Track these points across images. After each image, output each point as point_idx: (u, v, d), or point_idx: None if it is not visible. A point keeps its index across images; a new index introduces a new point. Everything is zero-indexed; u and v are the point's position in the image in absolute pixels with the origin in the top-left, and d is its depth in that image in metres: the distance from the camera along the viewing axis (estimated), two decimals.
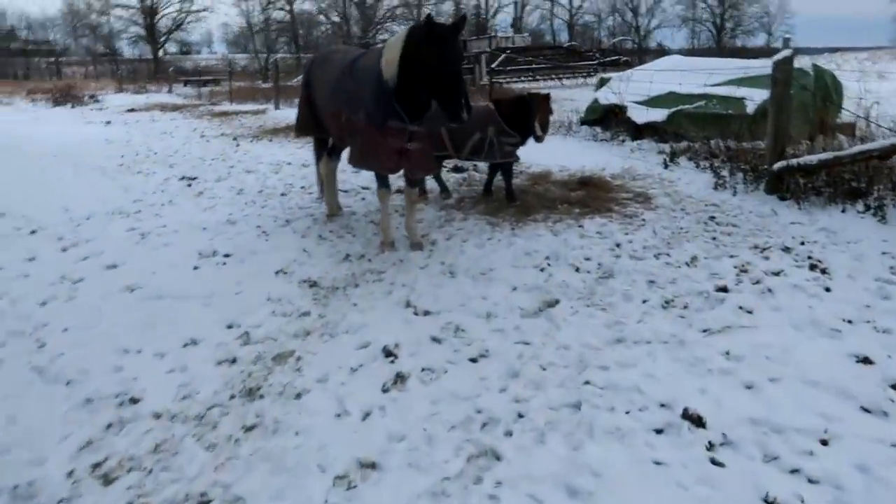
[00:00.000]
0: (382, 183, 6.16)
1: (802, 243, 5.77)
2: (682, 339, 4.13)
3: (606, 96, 11.23)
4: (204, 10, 66.37)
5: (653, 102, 10.18)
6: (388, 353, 4.08)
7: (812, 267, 5.21)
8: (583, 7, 73.94)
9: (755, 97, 9.01)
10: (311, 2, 65.18)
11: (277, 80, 22.32)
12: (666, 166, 8.81)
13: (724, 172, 7.89)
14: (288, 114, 19.16)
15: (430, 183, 8.10)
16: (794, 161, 6.86)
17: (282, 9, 65.55)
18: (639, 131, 10.19)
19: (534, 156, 9.63)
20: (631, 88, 10.54)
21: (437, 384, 3.74)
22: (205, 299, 5.08)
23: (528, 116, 7.21)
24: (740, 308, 4.51)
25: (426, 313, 4.71)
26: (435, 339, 4.29)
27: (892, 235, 5.75)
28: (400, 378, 3.81)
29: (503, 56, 21.82)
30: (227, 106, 24.41)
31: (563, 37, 71.98)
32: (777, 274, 5.11)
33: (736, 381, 3.61)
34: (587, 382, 3.69)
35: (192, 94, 31.58)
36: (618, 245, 5.97)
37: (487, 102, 7.48)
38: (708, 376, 3.68)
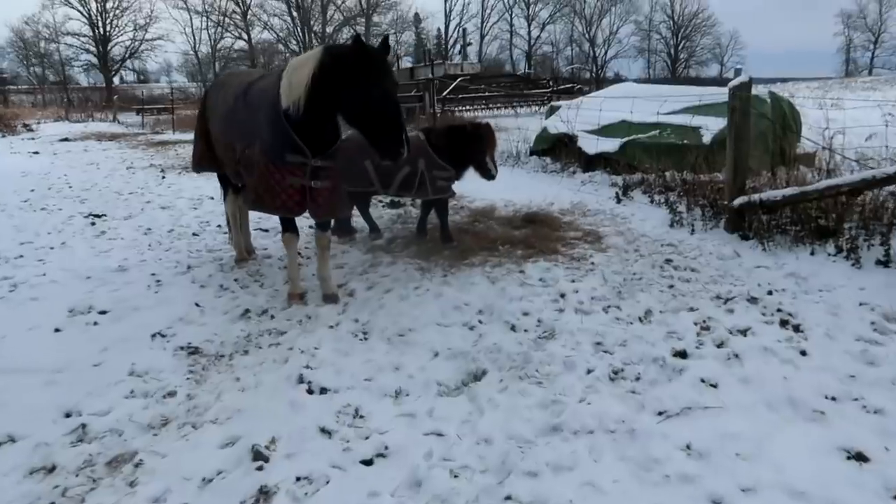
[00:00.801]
0: (287, 226, 5.27)
1: (770, 292, 5.04)
2: (633, 426, 3.30)
3: (556, 125, 10.58)
4: (158, 38, 64.92)
5: (605, 131, 9.55)
6: (258, 455, 3.15)
7: (783, 323, 4.47)
8: (541, 37, 74.89)
9: (711, 126, 8.42)
10: (269, 31, 64.51)
11: None
12: (619, 201, 8.11)
13: (681, 208, 7.21)
14: None
15: (361, 221, 7.25)
16: (756, 197, 6.20)
17: (239, 37, 64.72)
18: (590, 162, 9.53)
19: (478, 189, 8.85)
20: (581, 116, 9.91)
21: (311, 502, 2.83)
22: (51, 375, 4.09)
23: (465, 146, 6.44)
24: (702, 381, 3.71)
25: (322, 391, 3.81)
26: (324, 431, 3.38)
27: (868, 282, 5.06)
28: (263, 495, 2.88)
29: (454, 84, 21.25)
30: (168, 135, 23.28)
31: (522, 66, 72.61)
32: (744, 333, 4.36)
33: (700, 494, 2.78)
34: (508, 498, 2.81)
35: (136, 122, 30.32)
36: (562, 295, 5.17)
37: (417, 132, 6.67)
38: (665, 486, 2.85)
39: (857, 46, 77.26)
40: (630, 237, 6.80)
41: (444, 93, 20.47)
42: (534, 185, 9.37)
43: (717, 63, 78.85)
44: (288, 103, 4.62)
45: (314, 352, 4.32)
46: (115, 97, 39.40)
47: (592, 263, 5.98)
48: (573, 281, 5.52)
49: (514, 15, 73.87)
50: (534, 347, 4.28)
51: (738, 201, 6.34)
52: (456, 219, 7.88)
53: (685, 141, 8.41)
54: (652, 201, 7.44)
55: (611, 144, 9.15)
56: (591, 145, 9.30)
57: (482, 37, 72.48)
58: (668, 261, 5.95)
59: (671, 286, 5.32)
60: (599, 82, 55.97)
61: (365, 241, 7.09)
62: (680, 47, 77.88)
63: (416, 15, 70.05)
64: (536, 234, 6.92)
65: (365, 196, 7.02)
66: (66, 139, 23.12)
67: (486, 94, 23.71)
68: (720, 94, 8.63)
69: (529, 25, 73.81)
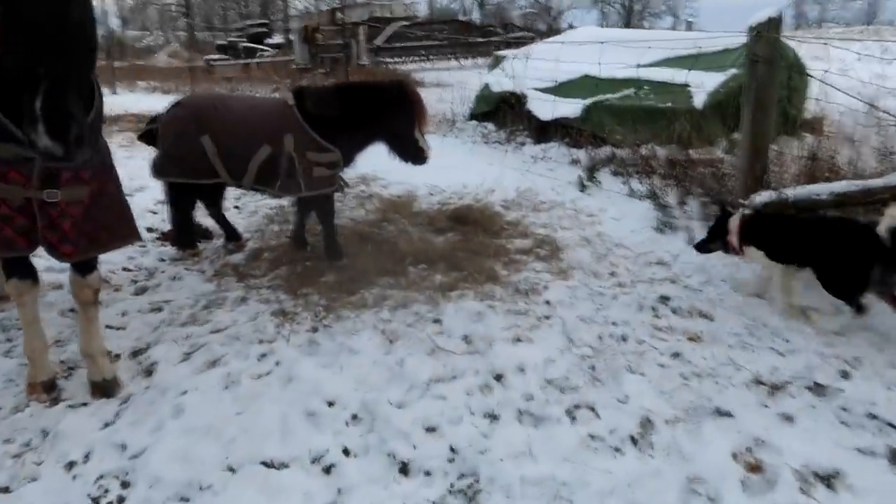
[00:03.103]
0: (11, 269, 2.95)
1: (845, 374, 3.01)
2: None
3: (500, 81, 8.32)
4: None
5: (563, 90, 7.34)
6: None
7: None
8: None
9: (705, 82, 6.29)
10: None
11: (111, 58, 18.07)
12: (583, 188, 5.96)
13: (670, 199, 5.09)
14: (122, 100, 15.38)
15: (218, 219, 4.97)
16: (788, 193, 4.12)
17: None
18: (544, 130, 7.34)
19: (397, 169, 6.61)
20: (533, 70, 7.65)
21: None
22: None
23: (376, 116, 4.23)
24: None
25: None
26: None
27: None
28: None
29: (392, 30, 18.42)
30: None
31: (475, 17, 69.12)
32: (829, 481, 2.31)
33: None
34: None
35: None
36: (498, 378, 3.05)
37: (285, 93, 4.34)
38: None
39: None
40: (601, 249, 4.69)
41: (376, 40, 17.71)
42: (470, 162, 7.13)
43: (671, 15, 76.95)
44: None
45: None
46: None
47: (548, 303, 3.86)
48: (517, 341, 3.40)
49: None
50: None
51: (759, 198, 4.26)
52: (359, 214, 5.63)
53: (669, 104, 6.29)
54: (631, 192, 5.29)
55: (570, 107, 6.98)
56: (545, 108, 7.10)
57: None
58: (664, 298, 3.86)
59: (676, 354, 3.25)
60: (554, 34, 53.20)
61: (218, 253, 4.80)
62: None
63: None
64: (467, 245, 4.75)
65: (213, 190, 4.71)
66: None
67: (426, 43, 20.85)
68: (715, 41, 6.51)
69: None
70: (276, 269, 4.49)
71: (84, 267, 2.96)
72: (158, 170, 4.41)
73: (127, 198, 3.06)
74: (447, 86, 11.41)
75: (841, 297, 3.41)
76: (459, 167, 6.86)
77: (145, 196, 5.95)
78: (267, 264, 4.57)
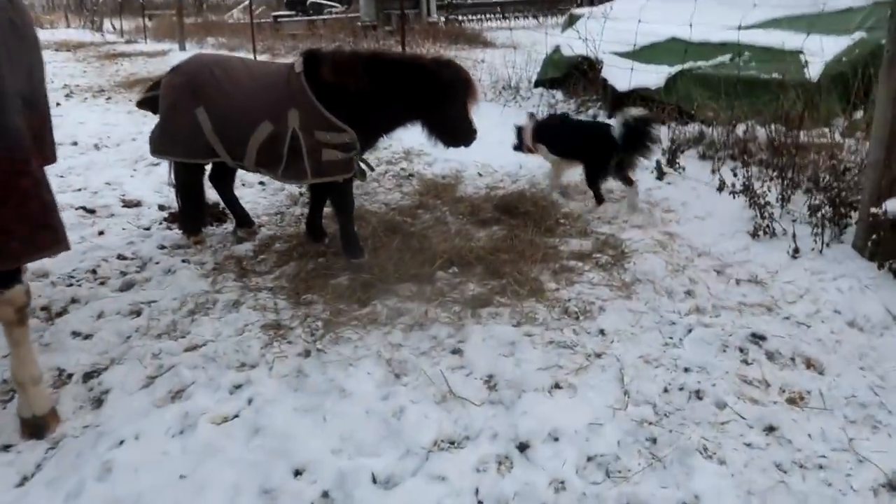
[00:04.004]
0: None
1: None
2: None
3: (572, 43, 7.27)
4: None
5: (644, 55, 6.25)
6: None
7: None
8: None
9: (825, 48, 5.11)
10: None
11: (181, 13, 17.82)
12: (660, 175, 4.97)
13: (770, 198, 4.07)
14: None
15: (255, 200, 4.35)
16: None
17: None
18: (620, 102, 6.31)
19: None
20: (611, 31, 6.57)
21: None
22: None
23: (400, 95, 3.49)
24: None
25: None
26: None
27: None
28: None
29: None
30: (134, 45, 20.12)
31: None
32: None
33: None
34: None
35: (115, 31, 27.04)
36: (522, 448, 2.30)
37: (297, 58, 3.61)
38: None
39: None
40: (678, 258, 3.77)
41: None
42: None
43: None
44: None
45: None
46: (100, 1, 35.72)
47: (602, 333, 3.02)
48: (555, 389, 2.61)
49: None
50: None
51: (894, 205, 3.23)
52: (394, 198, 4.90)
53: (776, 74, 5.17)
54: (720, 183, 4.26)
55: (653, 76, 5.91)
56: (623, 77, 6.05)
57: None
58: (757, 337, 2.94)
59: (770, 429, 2.38)
60: None
61: (225, 241, 4.20)
62: None
63: None
64: (512, 244, 3.93)
65: (221, 169, 4.07)
66: None
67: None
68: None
69: None
70: (283, 265, 3.83)
71: (8, 279, 2.35)
72: (154, 146, 3.80)
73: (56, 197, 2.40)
74: (520, 47, 10.33)
75: (589, 185, 4.57)
76: None
77: (162, 167, 5.40)
78: (275, 258, 3.92)
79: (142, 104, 3.94)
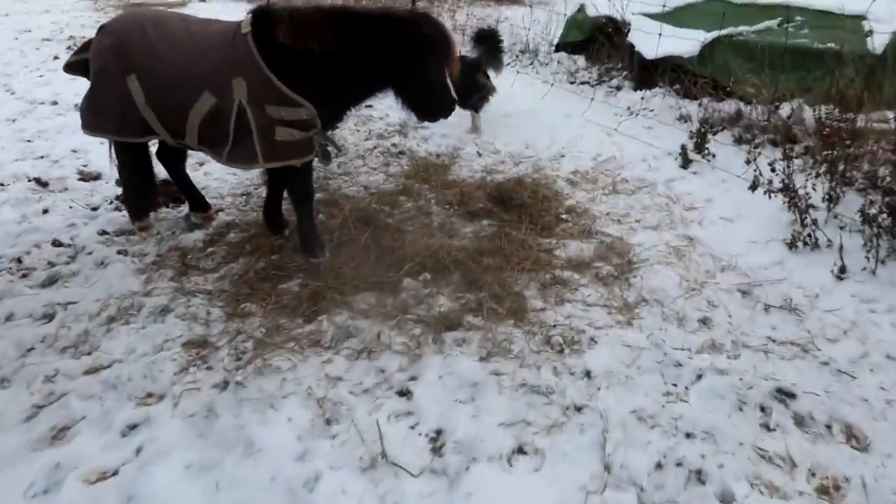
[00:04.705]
0: None
1: None
2: None
3: (597, 1, 6.45)
4: None
5: (677, 17, 5.44)
6: None
7: None
8: None
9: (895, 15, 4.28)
10: None
11: None
12: (685, 163, 4.27)
13: (814, 198, 3.36)
14: (212, 8, 14.49)
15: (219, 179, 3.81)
16: None
17: None
18: (647, 72, 5.54)
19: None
20: None
21: None
22: None
23: (368, 57, 2.89)
24: None
25: None
26: None
27: None
28: None
29: None
30: None
31: None
32: None
33: None
34: None
35: None
36: None
37: (246, 17, 2.99)
38: None
39: None
40: (696, 271, 3.13)
41: None
42: (543, 111, 5.46)
43: None
44: None
45: None
46: None
47: (588, 375, 2.44)
48: (517, 455, 2.07)
49: None
50: None
51: None
52: (376, 180, 4.30)
53: (832, 43, 4.38)
54: (756, 176, 3.52)
55: (686, 44, 5.11)
56: (651, 43, 5.26)
57: None
58: (784, 394, 2.32)
59: None
60: None
61: (176, 227, 3.69)
62: None
63: None
64: (498, 245, 3.33)
65: (169, 146, 3.51)
66: None
67: None
68: None
69: None
70: (232, 260, 3.31)
71: None
72: (83, 120, 3.25)
73: None
74: (548, 3, 9.40)
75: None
76: (527, 117, 5.28)
77: None
78: (224, 252, 3.40)
79: (70, 68, 3.38)
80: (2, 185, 4.33)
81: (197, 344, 2.67)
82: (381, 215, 3.72)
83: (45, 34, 10.23)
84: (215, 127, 2.98)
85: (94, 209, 3.96)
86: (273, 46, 2.90)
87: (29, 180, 4.39)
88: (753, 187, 3.42)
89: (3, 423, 2.27)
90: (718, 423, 2.18)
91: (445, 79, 3.01)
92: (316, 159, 3.20)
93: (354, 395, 2.34)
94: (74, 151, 5.00)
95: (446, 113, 3.15)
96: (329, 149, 3.17)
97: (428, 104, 3.10)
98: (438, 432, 2.18)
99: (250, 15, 3.01)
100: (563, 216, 3.70)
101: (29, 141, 5.18)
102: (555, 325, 2.70)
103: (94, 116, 3.17)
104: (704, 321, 2.75)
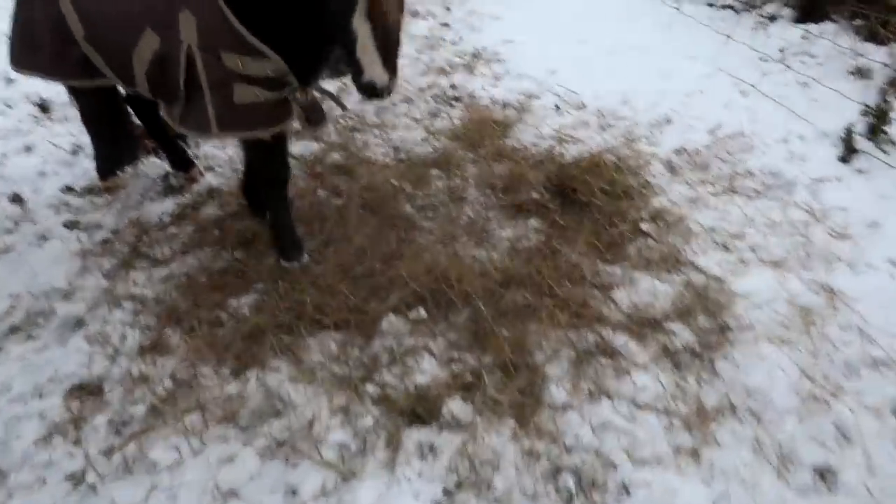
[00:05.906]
0: None
1: None
2: None
3: None
4: None
5: None
6: None
7: None
8: None
9: None
10: None
11: None
12: (850, 151, 2.91)
13: None
14: None
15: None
16: None
17: None
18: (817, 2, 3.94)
19: (540, 44, 4.09)
20: None
21: None
22: None
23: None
24: None
25: None
26: None
27: None
28: None
29: None
30: None
31: None
32: None
33: None
34: None
35: None
36: None
37: None
38: None
39: None
40: (829, 362, 1.98)
41: None
42: (656, 51, 4.04)
43: None
44: None
45: None
46: None
47: None
48: None
49: None
50: None
51: None
52: (412, 137, 3.33)
53: None
54: None
55: None
56: None
57: None
58: None
59: None
60: None
61: (149, 190, 2.99)
62: None
63: None
64: (537, 269, 2.34)
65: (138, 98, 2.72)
66: None
67: None
68: None
69: None
70: (194, 248, 2.58)
71: None
72: (11, 55, 2.53)
73: None
74: None
75: None
76: (636, 56, 3.95)
77: None
78: (187, 236, 2.66)
79: None
80: (9, 107, 3.81)
81: (85, 391, 1.99)
82: (396, 200, 2.80)
83: None
84: (164, 77, 2.17)
85: (74, 153, 3.32)
86: None
87: (33, 104, 3.84)
88: None
89: None
90: None
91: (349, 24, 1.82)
92: (299, 124, 2.32)
93: None
94: None
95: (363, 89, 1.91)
96: (321, 107, 2.27)
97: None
98: None
99: None
100: (645, 226, 2.59)
101: None
102: (572, 449, 1.75)
103: (26, 49, 2.44)
104: (824, 474, 1.68)
